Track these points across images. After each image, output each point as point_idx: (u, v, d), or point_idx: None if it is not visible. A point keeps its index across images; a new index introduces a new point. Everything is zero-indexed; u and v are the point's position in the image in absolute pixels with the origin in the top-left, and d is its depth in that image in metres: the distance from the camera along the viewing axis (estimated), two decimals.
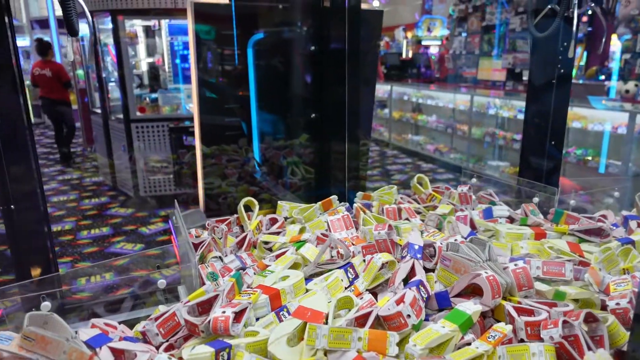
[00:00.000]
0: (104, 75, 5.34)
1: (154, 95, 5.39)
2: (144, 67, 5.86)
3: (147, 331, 0.84)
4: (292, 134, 1.87)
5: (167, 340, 0.85)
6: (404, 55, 9.11)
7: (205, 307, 0.89)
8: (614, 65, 5.30)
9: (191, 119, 5.01)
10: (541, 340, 0.74)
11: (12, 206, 1.04)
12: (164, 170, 5.09)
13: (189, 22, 1.75)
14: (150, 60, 5.78)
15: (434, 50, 8.43)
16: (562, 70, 1.54)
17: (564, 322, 0.74)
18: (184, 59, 5.40)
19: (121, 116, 5.01)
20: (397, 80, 7.89)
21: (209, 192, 1.85)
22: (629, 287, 0.90)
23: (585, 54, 5.85)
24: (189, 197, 4.80)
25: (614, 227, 1.26)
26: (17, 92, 1.03)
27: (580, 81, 5.34)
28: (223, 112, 1.87)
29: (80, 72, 7.15)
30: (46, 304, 0.85)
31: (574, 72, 4.47)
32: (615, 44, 5.24)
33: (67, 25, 1.00)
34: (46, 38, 7.94)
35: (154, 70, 5.74)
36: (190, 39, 1.78)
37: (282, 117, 1.88)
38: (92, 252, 3.99)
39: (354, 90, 1.51)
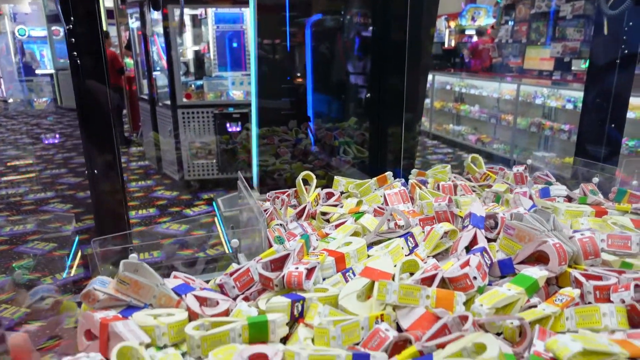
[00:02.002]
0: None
1: (199, 82, 5.53)
2: (190, 55, 6.02)
3: (225, 283, 0.90)
4: (346, 115, 1.91)
5: (243, 293, 0.91)
6: (446, 45, 8.94)
7: (276, 264, 0.94)
8: None
9: (235, 106, 5.14)
10: (611, 303, 0.75)
11: (95, 171, 1.14)
12: (208, 155, 5.23)
13: (250, 5, 1.80)
14: (197, 48, 5.93)
15: (477, 39, 8.24)
16: (626, 51, 1.50)
17: (636, 286, 0.74)
18: (230, 47, 5.50)
19: (168, 102, 5.19)
20: (439, 70, 7.76)
21: (265, 169, 1.92)
22: None
23: None
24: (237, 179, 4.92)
25: None
26: (103, 73, 1.11)
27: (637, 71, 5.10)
28: (278, 93, 1.92)
29: (127, 60, 7.43)
30: (133, 256, 0.92)
31: None
32: None
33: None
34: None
35: (199, 58, 5.90)
36: (250, 20, 1.83)
37: (336, 98, 1.92)
38: (140, 232, 4.16)
39: (412, 72, 1.53)
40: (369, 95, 1.72)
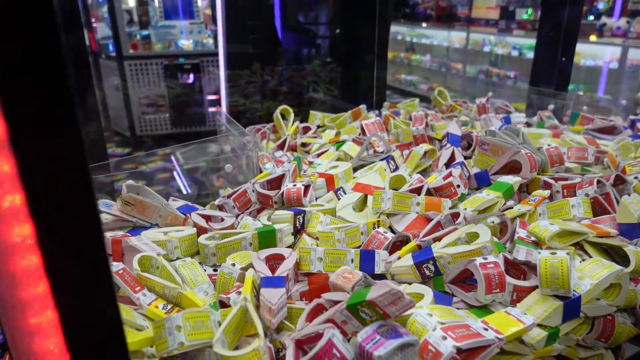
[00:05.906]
0: None
1: (145, 32, 5.26)
2: (131, 3, 5.66)
3: (225, 204, 0.93)
4: (315, 56, 1.92)
5: (242, 213, 0.94)
6: None
7: (272, 185, 0.98)
8: (602, 5, 5.31)
9: (186, 56, 4.95)
10: (578, 197, 0.86)
11: None
12: (160, 109, 5.06)
13: None
14: None
15: None
16: None
17: (598, 181, 0.85)
18: None
19: (113, 54, 4.92)
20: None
21: (237, 110, 1.92)
22: None
23: None
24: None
25: (624, 129, 1.38)
26: None
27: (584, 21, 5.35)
28: (246, 38, 1.89)
29: None
30: (131, 181, 0.93)
31: None
32: None
33: None
34: None
35: (143, 5, 5.56)
36: None
37: (304, 40, 1.92)
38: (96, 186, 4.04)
39: (381, 21, 1.57)
40: (338, 30, 1.74)
